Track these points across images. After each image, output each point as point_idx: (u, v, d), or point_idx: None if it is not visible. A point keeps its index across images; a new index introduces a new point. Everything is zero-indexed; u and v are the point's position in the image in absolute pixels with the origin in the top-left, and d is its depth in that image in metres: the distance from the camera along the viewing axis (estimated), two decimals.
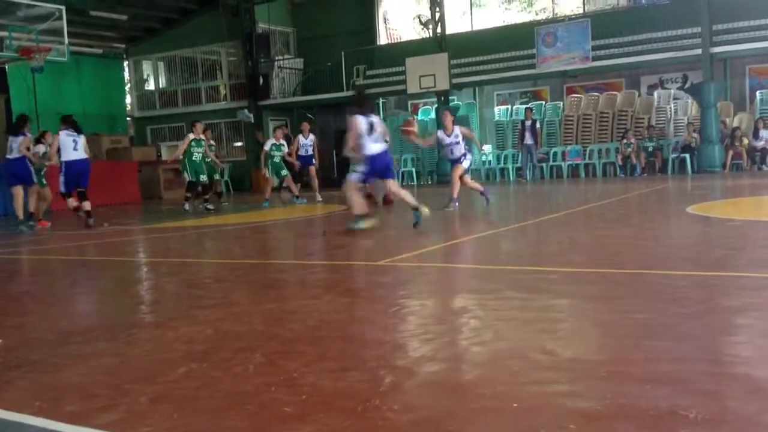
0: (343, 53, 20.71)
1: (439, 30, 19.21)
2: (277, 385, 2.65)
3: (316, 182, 14.69)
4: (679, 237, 6.70)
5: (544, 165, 18.39)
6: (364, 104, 8.10)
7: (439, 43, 19.05)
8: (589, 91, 19.34)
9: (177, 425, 2.28)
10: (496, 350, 3.00)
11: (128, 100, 24.83)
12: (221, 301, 4.73)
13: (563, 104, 19.45)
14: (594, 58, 17.53)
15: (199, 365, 3.02)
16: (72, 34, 17.52)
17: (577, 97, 19.34)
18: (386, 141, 8.46)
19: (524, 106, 19.01)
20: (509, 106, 20.32)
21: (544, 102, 19.88)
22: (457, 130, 10.41)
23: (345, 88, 20.88)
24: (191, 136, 13.74)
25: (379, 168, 7.83)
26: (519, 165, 18.41)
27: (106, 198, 16.68)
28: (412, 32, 22.05)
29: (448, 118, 10.47)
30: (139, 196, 18.18)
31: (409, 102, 21.75)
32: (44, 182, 11.95)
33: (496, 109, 20.63)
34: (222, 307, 4.49)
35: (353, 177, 7.90)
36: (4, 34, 15.93)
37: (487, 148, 20.03)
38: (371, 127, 7.67)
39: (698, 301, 3.69)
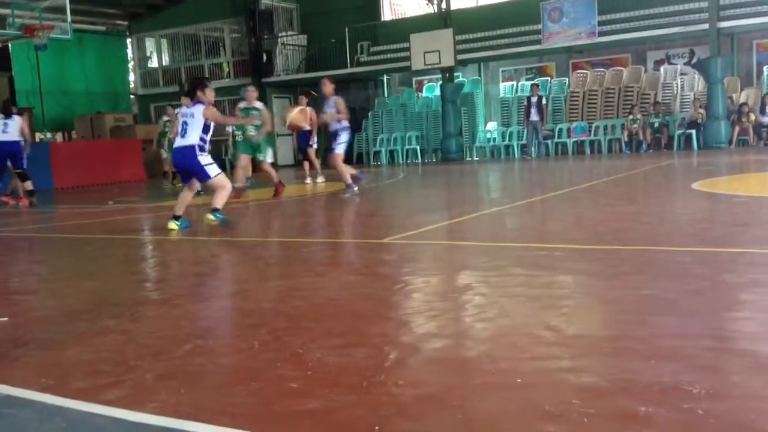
0: (347, 29, 20.56)
1: (444, 5, 19.03)
2: (282, 361, 2.66)
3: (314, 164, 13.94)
4: (684, 213, 6.68)
5: (549, 142, 18.31)
6: None
7: (444, 19, 18.89)
8: (595, 67, 19.19)
9: (183, 401, 2.29)
10: (501, 326, 3.01)
11: (131, 77, 24.74)
12: (226, 279, 4.75)
13: (569, 80, 19.32)
14: (600, 34, 17.37)
15: (205, 342, 3.04)
16: (74, 12, 17.41)
17: (582, 72, 19.20)
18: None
19: (530, 83, 18.88)
20: (515, 83, 20.19)
21: (549, 78, 19.74)
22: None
23: (349, 64, 20.75)
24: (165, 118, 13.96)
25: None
26: (524, 142, 18.34)
27: (111, 176, 16.71)
28: (417, 8, 21.84)
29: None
30: (144, 174, 18.18)
31: (414, 78, 21.62)
32: None
33: (502, 85, 20.50)
34: (227, 285, 4.51)
35: (341, 149, 8.29)
36: (7, 11, 15.86)
37: (493, 125, 19.94)
38: None
39: (703, 278, 3.68)
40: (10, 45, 18.42)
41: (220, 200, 6.69)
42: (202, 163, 6.61)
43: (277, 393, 2.34)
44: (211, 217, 6.64)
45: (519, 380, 2.32)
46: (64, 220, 9.26)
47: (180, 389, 2.41)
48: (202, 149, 6.63)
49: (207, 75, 23.26)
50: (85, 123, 19.91)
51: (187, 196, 7.02)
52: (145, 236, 7.55)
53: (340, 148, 9.56)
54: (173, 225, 6.90)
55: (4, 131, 11.08)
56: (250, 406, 2.25)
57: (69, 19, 17.04)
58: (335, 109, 9.46)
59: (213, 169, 6.68)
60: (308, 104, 14.00)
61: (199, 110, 6.64)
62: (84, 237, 7.48)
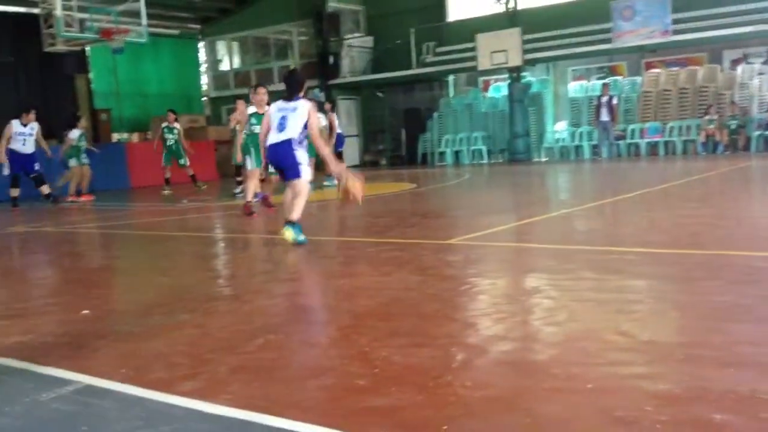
0: (412, 30, 20.58)
1: (512, 4, 18.82)
2: (350, 358, 2.70)
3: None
4: (763, 217, 6.42)
5: (621, 142, 17.87)
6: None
7: (511, 18, 18.67)
8: (669, 66, 18.63)
9: (255, 394, 2.36)
10: (570, 331, 2.96)
11: (204, 80, 25.39)
12: (294, 276, 4.84)
13: (641, 79, 18.81)
14: (674, 32, 16.84)
15: (275, 337, 3.11)
16: (150, 16, 17.99)
17: (656, 72, 18.67)
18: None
19: (600, 82, 18.48)
20: (584, 82, 19.79)
21: (621, 77, 19.27)
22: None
23: (415, 65, 20.77)
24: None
25: None
26: (595, 142, 17.96)
27: (184, 176, 17.17)
28: (483, 7, 21.67)
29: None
30: (215, 174, 18.64)
31: (480, 78, 21.46)
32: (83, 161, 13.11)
33: (571, 85, 20.12)
34: (295, 282, 4.59)
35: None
36: (86, 16, 16.53)
37: (562, 125, 19.61)
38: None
39: None
40: (88, 48, 19.16)
41: (299, 210, 5.93)
42: (298, 160, 6.06)
43: (345, 389, 2.37)
44: (289, 233, 5.75)
45: (590, 386, 2.28)
46: (140, 217, 9.59)
47: (252, 382, 2.48)
48: (301, 143, 6.11)
49: (276, 77, 23.70)
50: (160, 124, 20.54)
51: (288, 196, 6.18)
52: (217, 234, 7.75)
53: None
54: (288, 233, 5.78)
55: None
56: (320, 401, 2.29)
57: (144, 22, 17.63)
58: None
59: (306, 172, 6.12)
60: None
61: (303, 106, 6.14)
62: (159, 234, 7.73)
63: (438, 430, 2.00)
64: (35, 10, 17.05)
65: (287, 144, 6.04)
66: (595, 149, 17.89)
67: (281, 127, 6.09)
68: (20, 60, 18.00)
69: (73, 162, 13.03)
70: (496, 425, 2.02)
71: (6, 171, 12.16)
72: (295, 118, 6.10)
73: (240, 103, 10.63)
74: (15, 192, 12.21)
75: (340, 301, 3.80)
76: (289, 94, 6.23)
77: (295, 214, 5.87)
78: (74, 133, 12.98)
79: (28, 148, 12.12)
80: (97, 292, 4.60)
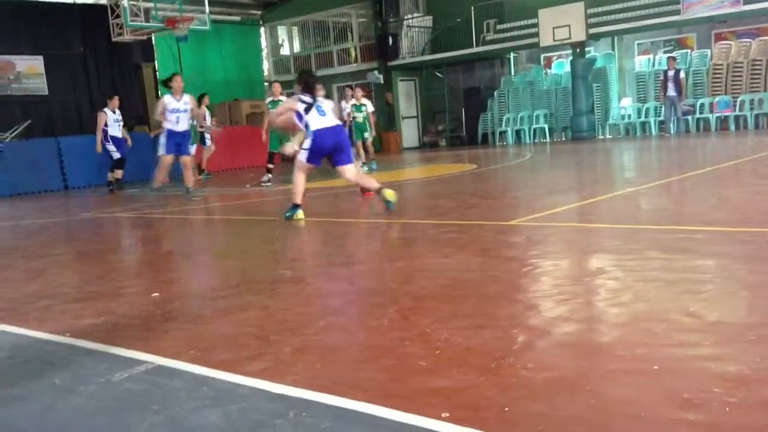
0: (472, 8, 20.31)
1: None
2: (410, 339, 2.71)
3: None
4: None
5: (689, 117, 17.27)
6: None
7: None
8: (740, 37, 17.83)
9: (319, 375, 2.40)
10: (636, 312, 2.90)
11: (265, 65, 25.70)
12: (354, 259, 4.88)
13: (711, 52, 18.09)
14: (745, 2, 16.12)
15: (337, 319, 3.15)
16: (212, 3, 18.33)
17: (726, 43, 17.91)
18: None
19: (667, 56, 17.87)
20: (651, 56, 19.16)
21: (689, 50, 18.58)
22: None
23: (475, 44, 20.51)
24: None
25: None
26: (662, 118, 17.41)
27: (247, 160, 17.49)
28: None
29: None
30: (279, 158, 18.89)
31: (542, 55, 21.05)
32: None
33: (637, 59, 19.51)
34: (355, 264, 4.63)
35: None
36: (150, 5, 16.94)
37: (627, 101, 19.07)
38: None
39: None
40: (153, 37, 19.64)
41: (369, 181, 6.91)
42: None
43: (407, 370, 2.39)
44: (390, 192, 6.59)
45: (656, 367, 2.24)
46: (205, 202, 9.81)
47: (316, 363, 2.52)
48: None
49: (335, 61, 23.79)
50: (224, 110, 20.91)
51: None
52: (280, 217, 7.88)
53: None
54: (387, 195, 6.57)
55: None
56: (381, 382, 2.31)
57: (207, 10, 17.96)
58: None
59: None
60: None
61: (328, 101, 6.84)
62: (224, 218, 7.91)
63: (500, 412, 2.00)
64: (103, 1, 17.59)
65: (340, 128, 6.66)
66: (662, 125, 17.34)
67: (322, 112, 6.63)
68: (90, 51, 18.61)
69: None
70: (559, 407, 2.01)
71: (116, 155, 12.82)
72: (328, 107, 6.68)
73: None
74: (119, 174, 12.92)
75: (401, 283, 3.81)
76: (311, 95, 6.70)
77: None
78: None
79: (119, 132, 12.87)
80: (166, 275, 4.74)
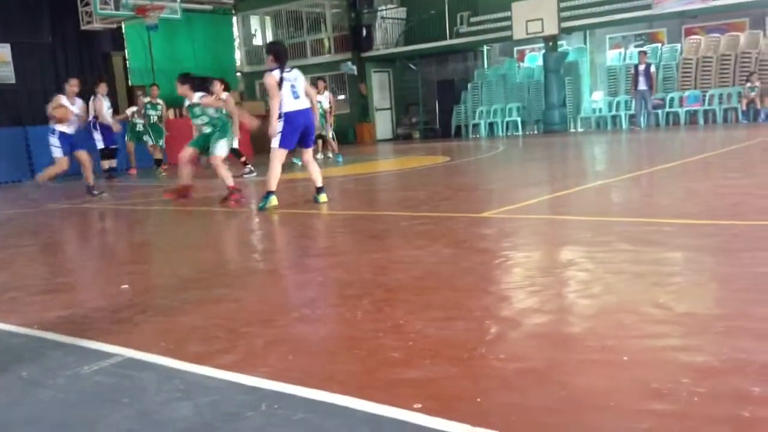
0: (446, 0, 20.33)
1: None
2: (384, 331, 2.71)
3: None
4: None
5: (659, 111, 17.51)
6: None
7: None
8: (710, 32, 18.11)
9: (292, 367, 2.39)
10: (606, 303, 2.94)
11: (237, 55, 25.45)
12: (329, 251, 4.86)
13: (681, 47, 18.34)
14: None
15: (311, 311, 3.14)
16: None
17: (696, 38, 18.17)
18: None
19: (638, 50, 18.06)
20: (622, 50, 19.36)
21: (660, 45, 18.80)
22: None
23: (449, 36, 20.54)
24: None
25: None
26: (632, 112, 17.62)
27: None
28: None
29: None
30: (250, 150, 18.75)
31: (515, 48, 21.16)
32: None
33: (609, 53, 19.71)
34: (329, 256, 4.62)
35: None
36: None
37: (599, 94, 19.26)
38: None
39: None
40: (123, 26, 19.33)
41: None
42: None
43: (380, 362, 2.39)
44: (325, 197, 6.91)
45: (625, 358, 2.27)
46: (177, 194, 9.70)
47: (288, 355, 2.51)
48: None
49: (309, 51, 23.65)
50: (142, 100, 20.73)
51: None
52: (252, 209, 7.83)
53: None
54: (323, 198, 6.92)
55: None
56: (354, 374, 2.31)
57: None
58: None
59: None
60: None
61: (301, 75, 6.86)
62: (194, 209, 7.84)
63: (472, 403, 2.01)
64: None
65: (309, 111, 6.72)
66: (633, 119, 17.56)
67: (295, 95, 6.65)
68: (58, 39, 18.25)
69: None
70: (530, 397, 2.02)
71: (99, 144, 12.86)
72: (300, 88, 6.69)
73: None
74: (108, 164, 12.96)
75: (374, 274, 3.81)
76: (283, 65, 6.72)
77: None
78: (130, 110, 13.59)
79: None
80: (136, 268, 4.69)
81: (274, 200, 6.83)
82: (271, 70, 6.70)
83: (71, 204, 9.21)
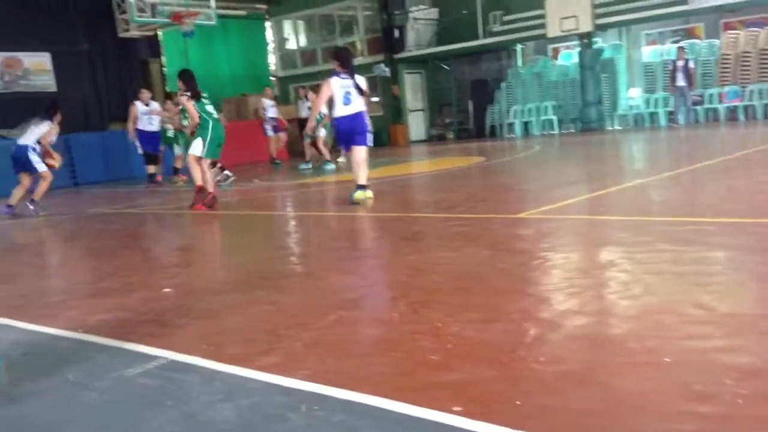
0: (478, 0, 20.24)
1: None
2: (421, 333, 2.72)
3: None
4: None
5: (698, 108, 17.17)
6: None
7: None
8: (749, 27, 17.71)
9: (330, 369, 2.41)
10: (647, 304, 2.90)
11: (271, 59, 25.68)
12: (364, 253, 4.89)
13: (719, 42, 17.97)
14: None
15: (348, 313, 3.16)
16: None
17: (735, 33, 17.79)
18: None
19: (676, 46, 17.75)
20: (659, 46, 19.05)
21: (698, 40, 18.45)
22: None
23: (481, 35, 20.44)
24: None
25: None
26: (671, 109, 17.32)
27: (255, 155, 17.50)
28: None
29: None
30: (285, 153, 18.90)
31: (549, 46, 20.96)
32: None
33: (645, 49, 19.40)
34: (365, 259, 4.64)
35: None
36: (156, 0, 16.95)
37: (636, 91, 18.98)
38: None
39: None
40: (160, 33, 19.65)
41: (364, 175, 7.14)
42: (368, 128, 7.24)
43: (418, 364, 2.40)
44: (361, 194, 7.03)
45: (667, 359, 2.24)
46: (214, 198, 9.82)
47: (327, 357, 2.54)
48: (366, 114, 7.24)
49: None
50: (231, 105, 20.94)
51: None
52: (288, 212, 7.89)
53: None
54: (366, 194, 7.08)
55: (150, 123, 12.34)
56: (392, 376, 2.32)
57: (213, 5, 17.97)
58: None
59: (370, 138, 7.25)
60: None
61: (363, 81, 7.24)
62: (233, 214, 7.93)
63: (512, 405, 2.01)
64: None
65: (360, 115, 7.14)
66: (671, 116, 17.26)
67: (347, 101, 7.06)
68: (96, 47, 18.63)
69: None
70: (571, 400, 2.01)
71: (139, 150, 12.93)
72: (357, 94, 7.14)
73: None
74: (152, 169, 12.95)
75: (411, 276, 3.82)
76: (349, 70, 7.19)
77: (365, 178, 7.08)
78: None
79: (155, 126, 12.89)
80: (178, 271, 4.77)
81: (367, 193, 7.14)
82: (335, 73, 7.22)
83: (114, 209, 9.39)
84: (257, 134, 16.96)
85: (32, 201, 9.07)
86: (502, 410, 1.98)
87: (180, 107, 9.48)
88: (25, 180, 9.25)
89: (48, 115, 9.38)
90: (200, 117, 8.08)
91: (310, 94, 14.64)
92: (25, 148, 9.02)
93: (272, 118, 15.43)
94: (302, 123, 14.26)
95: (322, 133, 13.71)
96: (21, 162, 9.11)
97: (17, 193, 9.22)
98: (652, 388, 2.04)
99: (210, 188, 8.06)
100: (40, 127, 9.21)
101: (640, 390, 2.04)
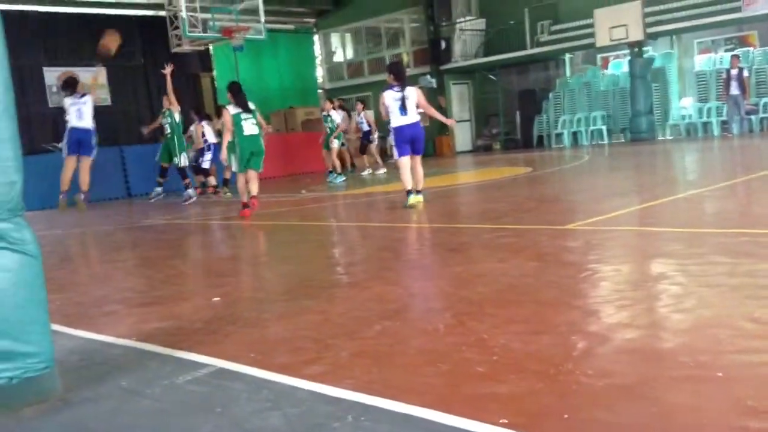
0: (526, 10, 20.13)
1: None
2: (467, 345, 2.71)
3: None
4: None
5: (753, 117, 16.73)
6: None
7: None
8: None
9: (376, 379, 2.42)
10: (700, 318, 2.83)
11: (318, 72, 25.98)
12: (410, 263, 4.89)
13: None
14: None
15: (393, 323, 3.16)
16: (267, 12, 18.64)
17: None
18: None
19: (729, 54, 17.34)
20: (712, 55, 18.64)
21: (752, 48, 17.99)
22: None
23: (529, 45, 20.32)
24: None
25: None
26: (724, 118, 16.91)
27: (302, 166, 17.71)
28: None
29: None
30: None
31: (598, 56, 20.71)
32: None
33: (697, 58, 19.02)
34: (411, 269, 4.65)
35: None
36: (208, 16, 17.34)
37: (688, 101, 18.59)
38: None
39: None
40: (211, 47, 20.07)
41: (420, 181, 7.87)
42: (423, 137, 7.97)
43: (464, 375, 2.39)
44: (415, 199, 7.66)
45: (720, 374, 2.18)
46: (263, 208, 9.96)
47: (372, 367, 2.55)
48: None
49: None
50: (280, 117, 21.25)
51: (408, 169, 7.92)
52: (335, 222, 7.96)
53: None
54: (418, 199, 7.71)
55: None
56: (438, 387, 2.32)
57: (262, 20, 18.28)
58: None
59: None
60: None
61: (413, 92, 7.84)
62: (281, 224, 8.03)
63: (559, 419, 1.98)
64: (162, 13, 18.08)
65: (419, 123, 7.85)
66: (725, 125, 16.84)
67: (403, 111, 7.71)
68: (149, 62, 19.13)
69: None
70: (620, 414, 1.98)
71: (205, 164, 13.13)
72: (412, 103, 7.74)
73: None
74: (211, 180, 13.13)
75: (457, 287, 3.81)
76: (401, 83, 7.79)
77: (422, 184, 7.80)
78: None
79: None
80: (226, 280, 4.85)
81: (412, 198, 7.70)
82: (389, 87, 7.82)
83: (166, 220, 9.61)
84: (305, 146, 17.18)
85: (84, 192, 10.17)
86: (550, 423, 1.96)
87: (221, 119, 9.82)
88: (73, 163, 10.15)
89: (75, 92, 10.45)
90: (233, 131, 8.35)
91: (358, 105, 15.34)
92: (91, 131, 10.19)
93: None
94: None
95: (336, 144, 13.93)
96: (85, 144, 10.27)
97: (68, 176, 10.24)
98: (704, 403, 2.00)
99: (246, 198, 8.53)
100: (87, 103, 10.24)
101: (691, 405, 1.99)
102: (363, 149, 15.73)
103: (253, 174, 8.44)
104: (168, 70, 11.33)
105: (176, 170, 12.23)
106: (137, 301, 4.24)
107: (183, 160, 11.96)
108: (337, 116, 14.36)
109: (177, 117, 11.90)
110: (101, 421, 2.31)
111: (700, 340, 2.56)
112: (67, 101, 10.56)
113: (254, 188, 8.51)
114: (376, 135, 15.49)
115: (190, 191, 11.75)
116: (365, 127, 15.35)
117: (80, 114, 10.46)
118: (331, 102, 15.11)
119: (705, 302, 3.05)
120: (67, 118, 10.55)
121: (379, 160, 15.52)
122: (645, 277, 3.73)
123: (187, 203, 11.38)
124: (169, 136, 12.07)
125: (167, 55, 18.54)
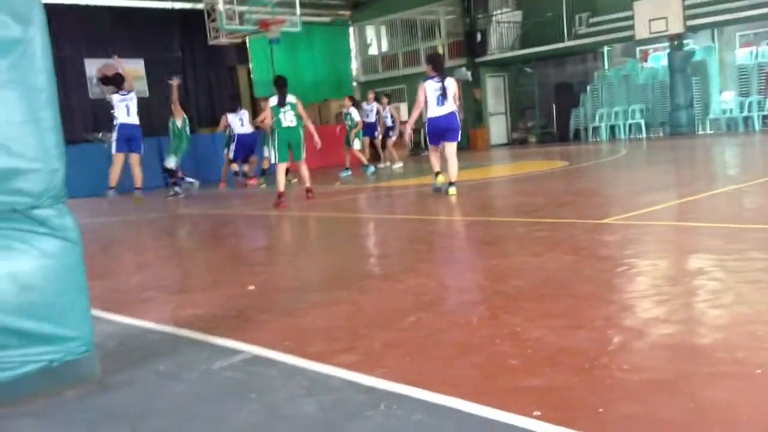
0: (564, 2, 19.88)
1: None
2: (501, 337, 2.70)
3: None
4: None
5: None
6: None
7: None
8: None
9: (408, 370, 2.43)
10: (738, 314, 2.79)
11: (353, 65, 26.01)
12: (444, 256, 4.89)
13: None
14: None
15: (426, 315, 3.17)
16: (302, 5, 18.73)
17: None
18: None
19: None
20: (754, 48, 18.20)
21: None
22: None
23: (566, 38, 20.07)
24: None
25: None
26: (766, 112, 16.52)
27: (336, 159, 17.75)
28: None
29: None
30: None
31: (637, 48, 20.37)
32: None
33: (739, 51, 18.59)
34: (444, 262, 4.64)
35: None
36: (244, 8, 17.48)
37: (729, 94, 18.19)
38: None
39: None
40: (248, 39, 20.24)
41: (455, 172, 8.14)
42: (459, 127, 8.28)
43: (498, 368, 2.38)
44: (453, 190, 7.98)
45: (758, 371, 2.15)
46: (298, 200, 10.03)
47: (405, 358, 2.56)
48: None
49: (423, 59, 23.80)
50: (314, 110, 21.34)
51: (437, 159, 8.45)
52: (368, 215, 7.98)
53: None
54: (452, 191, 8.01)
55: (242, 125, 12.66)
56: (472, 379, 2.32)
57: (298, 12, 18.37)
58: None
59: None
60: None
61: (452, 83, 8.08)
62: (315, 216, 8.08)
63: (593, 413, 1.97)
64: (200, 6, 18.28)
65: (453, 114, 8.07)
66: (766, 120, 16.45)
67: (440, 101, 7.98)
68: (187, 54, 19.39)
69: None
70: (655, 409, 1.96)
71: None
72: (450, 93, 8.00)
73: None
74: (236, 167, 13.48)
75: (490, 281, 3.80)
76: (440, 74, 8.05)
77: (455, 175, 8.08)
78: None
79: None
80: (261, 269, 4.90)
81: (440, 178, 8.21)
82: (429, 77, 8.08)
83: (204, 210, 9.74)
84: (339, 138, 17.18)
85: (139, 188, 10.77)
86: (584, 417, 1.95)
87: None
88: (122, 160, 10.78)
89: (122, 88, 10.86)
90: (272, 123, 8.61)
91: (384, 100, 15.59)
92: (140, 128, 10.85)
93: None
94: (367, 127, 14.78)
95: (357, 144, 13.98)
96: (134, 141, 10.91)
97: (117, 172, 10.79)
98: (742, 399, 1.97)
99: (282, 188, 8.87)
100: (134, 100, 10.84)
101: (728, 401, 1.97)
102: (384, 143, 15.77)
103: (301, 166, 9.02)
104: (175, 83, 11.95)
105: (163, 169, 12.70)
106: (175, 288, 4.31)
107: (172, 162, 12.28)
108: (356, 114, 14.37)
109: (179, 123, 12.36)
110: (138, 406, 2.36)
111: (738, 336, 2.52)
112: (116, 98, 10.80)
113: (307, 179, 9.13)
114: (397, 130, 15.55)
115: (177, 189, 12.09)
116: (389, 123, 15.41)
117: (128, 110, 10.71)
118: (351, 99, 15.10)
119: (743, 298, 3.00)
120: (116, 114, 10.78)
121: (394, 154, 15.56)
122: (682, 272, 3.68)
123: (168, 199, 11.62)
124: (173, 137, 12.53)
125: (204, 47, 18.80)
